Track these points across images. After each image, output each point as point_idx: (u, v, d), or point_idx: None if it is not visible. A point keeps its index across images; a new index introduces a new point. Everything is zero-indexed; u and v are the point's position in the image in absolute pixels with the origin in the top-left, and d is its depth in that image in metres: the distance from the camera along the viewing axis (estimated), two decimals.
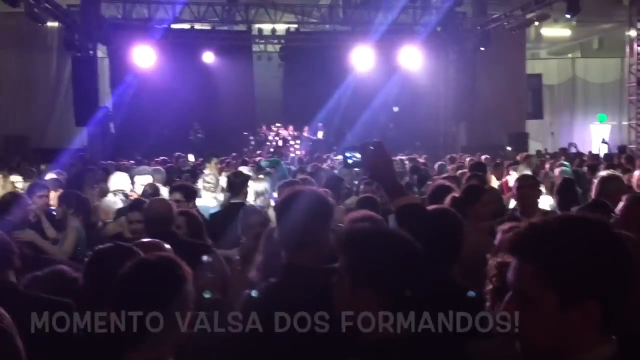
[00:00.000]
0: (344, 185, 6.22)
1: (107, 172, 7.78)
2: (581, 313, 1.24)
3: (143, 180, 6.41)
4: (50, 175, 7.58)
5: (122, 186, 6.23)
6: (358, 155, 2.36)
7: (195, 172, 9.31)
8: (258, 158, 13.98)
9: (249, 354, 2.14)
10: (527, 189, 4.59)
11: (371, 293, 1.71)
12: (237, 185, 5.44)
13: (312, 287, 2.12)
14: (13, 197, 4.69)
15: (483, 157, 12.67)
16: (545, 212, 4.55)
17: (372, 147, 2.29)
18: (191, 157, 14.51)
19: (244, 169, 7.49)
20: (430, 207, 2.63)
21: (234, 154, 15.15)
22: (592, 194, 4.45)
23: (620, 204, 3.29)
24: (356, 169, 6.18)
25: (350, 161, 2.42)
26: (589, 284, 1.24)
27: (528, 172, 7.08)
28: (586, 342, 1.25)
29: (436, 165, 9.95)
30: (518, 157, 10.99)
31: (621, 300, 1.26)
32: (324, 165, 11.32)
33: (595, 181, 4.52)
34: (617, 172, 5.79)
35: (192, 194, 5.25)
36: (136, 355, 1.84)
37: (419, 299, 1.72)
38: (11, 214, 4.25)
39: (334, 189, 5.35)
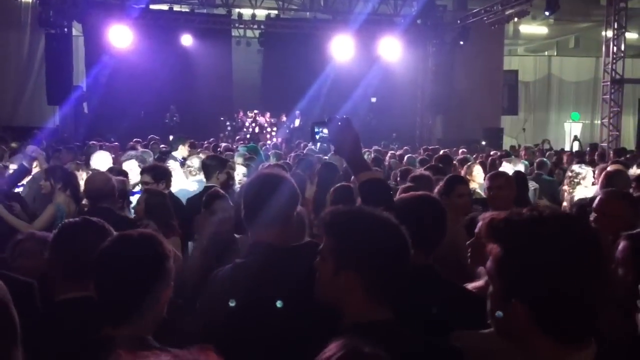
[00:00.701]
0: (338, 172, 6.17)
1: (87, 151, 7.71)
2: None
3: (129, 166, 6.31)
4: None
5: (104, 165, 6.12)
6: (326, 131, 2.43)
7: (163, 156, 9.07)
8: (235, 145, 13.88)
9: (222, 336, 2.12)
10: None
11: (356, 276, 1.70)
12: (210, 168, 5.39)
13: (281, 264, 2.16)
14: None
15: (460, 150, 12.75)
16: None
17: (339, 123, 2.34)
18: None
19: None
20: (413, 193, 2.62)
21: (211, 139, 15.03)
22: (598, 188, 4.52)
23: (596, 199, 3.35)
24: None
25: (317, 136, 2.49)
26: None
27: (521, 166, 7.25)
28: (533, 344, 1.27)
29: (405, 158, 9.96)
30: (522, 151, 11.20)
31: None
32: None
33: (601, 176, 4.64)
34: (621, 166, 6.02)
35: (162, 175, 5.06)
36: (116, 330, 1.81)
37: (402, 283, 1.72)
38: None
39: (328, 176, 5.33)
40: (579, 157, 10.63)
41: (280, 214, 2.26)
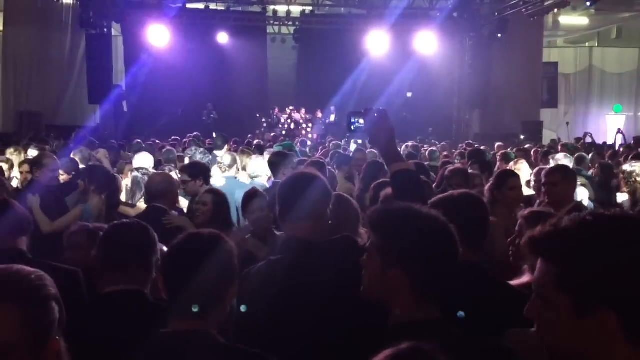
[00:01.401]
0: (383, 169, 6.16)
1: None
2: (595, 320, 1.16)
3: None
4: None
5: (146, 164, 6.24)
6: (362, 121, 2.50)
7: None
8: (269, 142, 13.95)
9: (259, 333, 2.15)
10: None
11: (403, 274, 1.69)
12: (275, 165, 5.42)
13: (313, 260, 2.21)
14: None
15: (497, 144, 12.57)
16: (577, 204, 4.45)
17: (375, 114, 2.41)
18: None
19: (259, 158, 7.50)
20: (458, 191, 2.60)
21: (249, 135, 15.17)
22: None
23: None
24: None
25: (353, 127, 2.56)
26: (603, 291, 1.15)
27: (569, 162, 6.78)
28: (608, 351, 1.17)
29: (427, 152, 9.85)
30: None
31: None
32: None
33: None
34: None
35: (198, 173, 5.05)
36: (182, 325, 1.86)
37: (450, 281, 1.70)
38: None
39: (373, 174, 5.31)
40: (628, 151, 10.24)
41: (312, 210, 2.31)
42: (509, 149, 10.81)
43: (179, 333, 1.83)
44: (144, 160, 6.33)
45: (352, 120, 2.56)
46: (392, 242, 1.72)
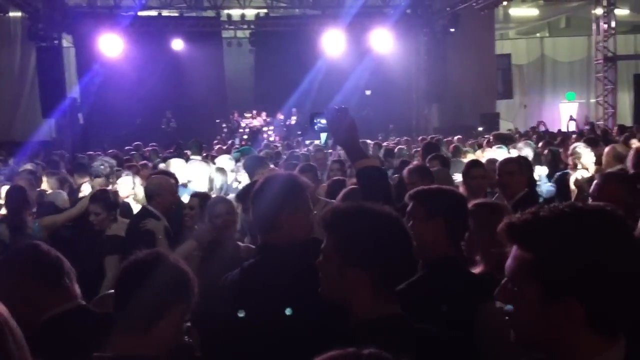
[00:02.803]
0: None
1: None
2: (562, 309, 1.19)
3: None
4: (25, 167, 7.39)
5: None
6: (324, 121, 2.54)
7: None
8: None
9: (232, 337, 2.14)
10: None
11: (362, 273, 1.69)
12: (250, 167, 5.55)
13: (289, 264, 2.18)
14: None
15: (456, 137, 12.76)
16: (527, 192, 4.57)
17: (337, 113, 2.43)
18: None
19: (225, 157, 7.42)
20: (437, 186, 2.64)
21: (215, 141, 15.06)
22: (629, 165, 4.42)
23: (594, 183, 3.29)
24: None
25: (316, 127, 2.63)
26: (573, 281, 1.18)
27: (529, 151, 7.14)
28: (576, 341, 1.20)
29: (395, 149, 9.94)
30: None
31: (612, 301, 1.18)
32: (302, 151, 11.27)
33: (631, 153, 4.59)
34: None
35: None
36: (121, 339, 1.82)
37: (408, 276, 1.72)
38: None
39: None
40: (580, 137, 10.53)
41: (282, 214, 2.26)
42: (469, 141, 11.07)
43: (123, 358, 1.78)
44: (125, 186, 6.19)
45: (315, 121, 2.61)
46: (350, 242, 1.71)
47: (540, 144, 9.31)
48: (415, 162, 5.84)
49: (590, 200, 3.23)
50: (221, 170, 6.13)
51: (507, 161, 4.59)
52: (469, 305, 2.08)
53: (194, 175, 5.98)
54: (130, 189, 5.77)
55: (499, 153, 6.53)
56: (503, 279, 1.30)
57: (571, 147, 6.26)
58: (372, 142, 11.58)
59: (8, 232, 4.66)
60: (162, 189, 4.52)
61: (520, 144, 7.63)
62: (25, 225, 4.73)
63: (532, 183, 5.08)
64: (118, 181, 5.91)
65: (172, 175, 5.04)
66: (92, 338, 2.08)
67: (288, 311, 2.02)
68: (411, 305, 1.76)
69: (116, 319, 1.85)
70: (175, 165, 6.37)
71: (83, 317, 2.25)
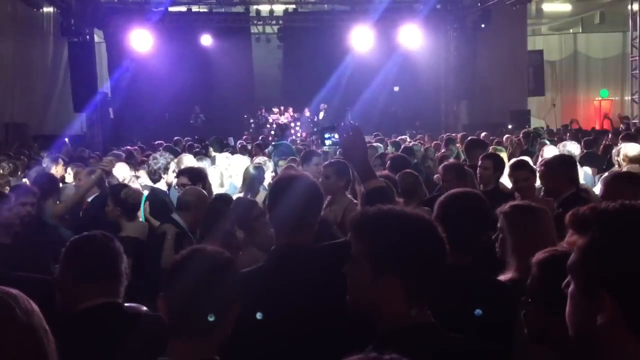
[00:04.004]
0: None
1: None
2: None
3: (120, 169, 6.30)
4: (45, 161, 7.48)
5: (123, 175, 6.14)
6: (336, 136, 2.55)
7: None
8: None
9: (250, 339, 2.10)
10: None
11: (397, 280, 1.62)
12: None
13: (310, 265, 2.17)
14: None
15: (482, 134, 12.56)
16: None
17: (350, 131, 2.42)
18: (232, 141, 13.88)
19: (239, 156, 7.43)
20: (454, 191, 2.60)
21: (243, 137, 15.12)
22: None
23: (600, 183, 3.25)
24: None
25: (327, 142, 2.66)
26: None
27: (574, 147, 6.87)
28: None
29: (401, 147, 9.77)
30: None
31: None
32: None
33: None
34: None
35: (197, 177, 4.99)
36: (181, 345, 1.74)
37: (440, 284, 1.66)
38: None
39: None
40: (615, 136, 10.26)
41: (299, 215, 2.26)
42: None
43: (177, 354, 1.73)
44: (121, 172, 6.18)
45: (327, 136, 2.62)
46: (384, 248, 1.64)
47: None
48: (451, 160, 5.77)
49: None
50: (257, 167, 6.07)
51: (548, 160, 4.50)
52: (504, 309, 2.02)
53: (236, 170, 6.00)
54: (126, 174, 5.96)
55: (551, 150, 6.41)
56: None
57: (615, 148, 6.12)
58: (389, 140, 11.48)
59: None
60: (193, 205, 4.41)
61: (567, 142, 7.32)
62: (42, 213, 4.68)
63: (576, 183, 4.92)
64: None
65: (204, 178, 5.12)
66: (121, 335, 2.08)
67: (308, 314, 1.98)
68: (442, 312, 1.70)
69: (174, 323, 1.77)
70: (187, 162, 6.32)
71: (112, 312, 2.27)
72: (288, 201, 2.26)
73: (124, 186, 4.89)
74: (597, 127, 17.38)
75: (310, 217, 2.31)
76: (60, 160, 7.37)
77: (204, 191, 4.70)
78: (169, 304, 1.78)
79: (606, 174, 4.61)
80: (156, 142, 12.63)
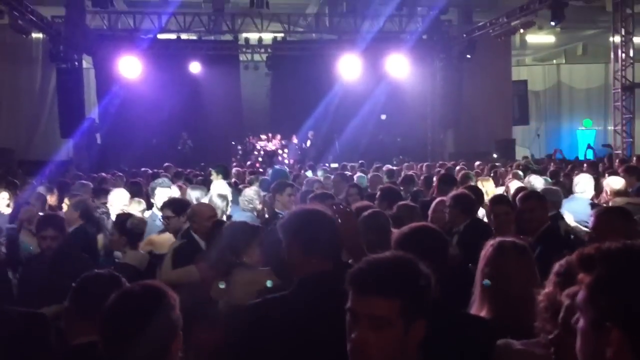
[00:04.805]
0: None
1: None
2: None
3: (164, 194, 6.32)
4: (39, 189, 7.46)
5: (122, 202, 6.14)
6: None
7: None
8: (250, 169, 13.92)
9: None
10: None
11: (422, 321, 1.65)
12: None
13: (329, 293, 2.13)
14: None
15: (476, 163, 12.66)
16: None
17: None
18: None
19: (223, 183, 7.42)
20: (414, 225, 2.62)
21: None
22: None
23: (592, 217, 3.31)
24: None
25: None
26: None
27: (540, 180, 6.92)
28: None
29: (355, 178, 9.74)
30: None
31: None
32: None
33: None
34: None
35: (181, 208, 5.02)
36: None
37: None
38: None
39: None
40: (593, 167, 10.43)
41: (329, 246, 2.29)
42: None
43: None
44: (119, 198, 6.21)
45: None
46: (415, 297, 1.63)
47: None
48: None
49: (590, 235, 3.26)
50: (222, 196, 6.05)
51: (526, 197, 4.52)
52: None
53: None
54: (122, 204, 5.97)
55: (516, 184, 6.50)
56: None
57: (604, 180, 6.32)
58: (386, 169, 11.51)
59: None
60: (195, 214, 4.69)
61: (531, 176, 7.38)
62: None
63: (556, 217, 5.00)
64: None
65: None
66: None
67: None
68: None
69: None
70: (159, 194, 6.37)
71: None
72: (310, 229, 2.28)
73: (128, 216, 4.94)
74: (581, 157, 17.60)
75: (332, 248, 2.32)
76: (55, 190, 7.35)
77: (205, 205, 4.97)
78: (106, 349, 1.84)
79: (597, 208, 4.74)
80: (142, 169, 12.61)
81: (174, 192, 6.67)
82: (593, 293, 1.29)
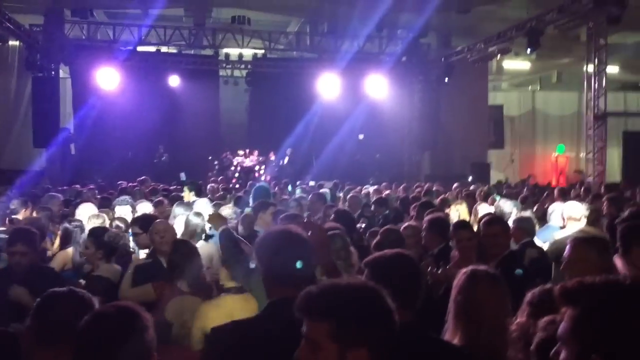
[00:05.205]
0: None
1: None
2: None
3: (123, 211, 6.25)
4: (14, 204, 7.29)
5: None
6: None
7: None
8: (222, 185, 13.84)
9: None
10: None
11: (364, 352, 1.61)
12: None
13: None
14: None
15: (454, 185, 12.72)
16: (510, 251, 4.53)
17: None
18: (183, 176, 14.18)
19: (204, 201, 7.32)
20: (385, 252, 2.61)
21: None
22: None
23: (568, 245, 3.32)
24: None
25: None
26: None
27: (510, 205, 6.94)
28: None
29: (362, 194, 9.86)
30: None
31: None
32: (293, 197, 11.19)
33: None
34: None
35: (149, 225, 4.91)
36: None
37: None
38: None
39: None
40: (564, 193, 10.57)
41: (296, 271, 2.24)
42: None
43: None
44: (86, 212, 6.12)
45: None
46: (350, 323, 1.61)
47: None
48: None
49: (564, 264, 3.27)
50: (198, 214, 5.98)
51: (490, 222, 4.54)
52: None
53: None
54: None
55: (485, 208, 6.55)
56: None
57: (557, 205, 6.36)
58: (370, 191, 11.54)
59: None
60: (151, 232, 4.73)
61: (501, 201, 7.45)
62: None
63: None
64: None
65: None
66: None
67: None
68: None
69: None
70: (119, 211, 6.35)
71: None
72: (282, 255, 2.25)
73: (104, 230, 4.92)
74: (554, 183, 17.88)
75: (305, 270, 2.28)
76: (30, 204, 7.21)
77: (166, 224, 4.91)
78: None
79: (573, 236, 4.79)
80: (118, 182, 12.44)
81: (146, 207, 6.59)
82: (577, 326, 1.34)
